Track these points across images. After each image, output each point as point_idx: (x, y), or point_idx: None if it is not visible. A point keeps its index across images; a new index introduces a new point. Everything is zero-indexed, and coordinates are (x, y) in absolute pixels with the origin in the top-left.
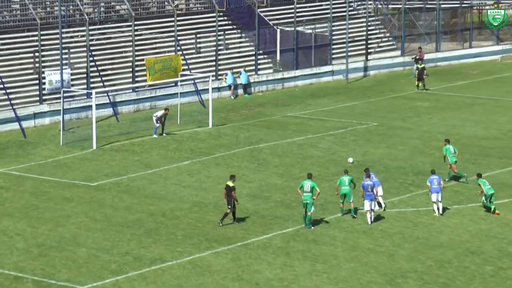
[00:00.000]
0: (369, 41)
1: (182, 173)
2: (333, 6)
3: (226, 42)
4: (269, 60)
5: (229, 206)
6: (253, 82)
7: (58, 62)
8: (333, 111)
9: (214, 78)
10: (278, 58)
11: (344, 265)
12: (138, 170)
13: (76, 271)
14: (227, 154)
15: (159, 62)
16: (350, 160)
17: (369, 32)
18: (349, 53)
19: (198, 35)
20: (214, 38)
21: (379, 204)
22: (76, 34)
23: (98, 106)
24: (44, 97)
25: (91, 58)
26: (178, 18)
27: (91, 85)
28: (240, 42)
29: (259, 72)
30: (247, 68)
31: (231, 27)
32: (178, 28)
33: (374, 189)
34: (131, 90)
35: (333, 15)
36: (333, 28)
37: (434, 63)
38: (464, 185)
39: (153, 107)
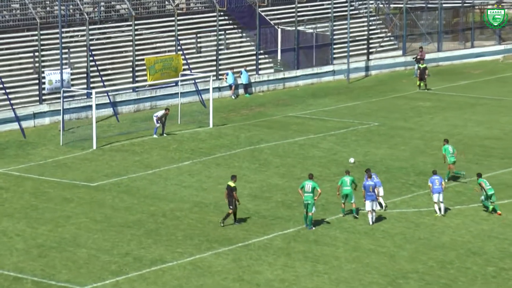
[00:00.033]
0: (370, 41)
1: (182, 173)
2: (334, 5)
3: (227, 41)
4: (270, 59)
5: (231, 207)
6: (254, 82)
7: (58, 62)
8: (334, 111)
9: (214, 78)
10: (279, 57)
11: (345, 266)
12: (139, 170)
13: (76, 272)
14: (227, 154)
15: (159, 62)
16: (352, 160)
17: (370, 32)
18: (351, 53)
19: (198, 35)
20: (215, 37)
21: (380, 205)
22: (76, 33)
23: (98, 106)
24: (44, 97)
25: (91, 58)
26: (178, 18)
27: (91, 85)
28: (241, 42)
29: (260, 72)
30: (248, 68)
31: (232, 26)
32: (179, 27)
33: (375, 189)
34: (131, 90)
35: (334, 14)
36: (335, 27)
37: (435, 62)
38: (466, 185)
39: (154, 107)
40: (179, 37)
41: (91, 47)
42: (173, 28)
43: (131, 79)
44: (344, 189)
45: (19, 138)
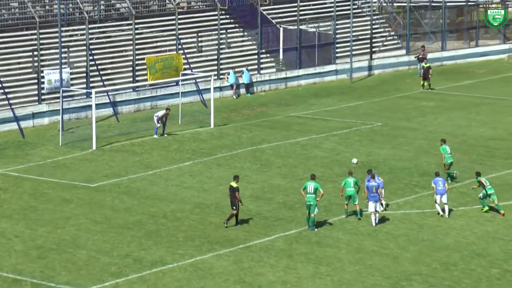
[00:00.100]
0: (373, 40)
1: (183, 174)
2: (337, 4)
3: (228, 41)
4: (272, 59)
5: (234, 207)
6: (256, 82)
7: (57, 61)
8: (337, 111)
9: (216, 77)
10: (281, 57)
11: (348, 268)
12: (139, 171)
13: (76, 274)
14: (229, 155)
15: (160, 61)
16: (354, 160)
17: (373, 31)
18: (353, 52)
19: (199, 34)
20: (216, 36)
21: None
22: (75, 32)
23: (98, 106)
24: (43, 97)
25: (90, 57)
26: (179, 17)
27: (91, 85)
28: (243, 41)
29: (262, 72)
30: (249, 67)
31: (233, 25)
32: (179, 26)
33: (378, 190)
34: (131, 90)
35: (337, 13)
36: (337, 26)
37: (439, 62)
38: (469, 186)
39: (154, 107)
40: (179, 36)
41: (91, 46)
42: (174, 27)
43: (131, 79)
44: (347, 190)
45: (18, 138)
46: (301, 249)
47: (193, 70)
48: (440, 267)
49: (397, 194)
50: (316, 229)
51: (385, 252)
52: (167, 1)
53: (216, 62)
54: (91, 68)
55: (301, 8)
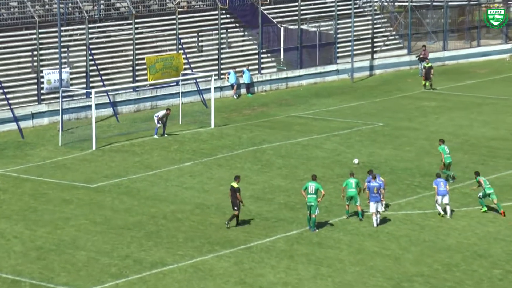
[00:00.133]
0: (375, 40)
1: (183, 174)
2: (338, 3)
3: (229, 40)
4: (273, 59)
5: (235, 208)
6: (256, 82)
7: (57, 61)
8: (338, 111)
9: (216, 77)
10: (282, 57)
11: (349, 269)
12: (139, 171)
13: (75, 275)
14: (229, 155)
15: (160, 61)
16: (356, 161)
17: (375, 31)
18: (355, 52)
19: (200, 34)
20: (217, 36)
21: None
22: (75, 32)
23: (98, 106)
24: (42, 97)
25: (90, 57)
26: (179, 16)
27: (91, 85)
28: (243, 41)
29: (263, 71)
30: (250, 67)
31: (234, 25)
32: (180, 26)
33: (380, 190)
34: (131, 90)
35: (338, 13)
36: (338, 26)
37: (441, 62)
38: (470, 187)
39: (154, 107)
40: (180, 36)
41: (91, 46)
42: (174, 26)
43: (131, 79)
44: (349, 191)
45: (17, 139)
46: (302, 250)
47: (194, 70)
48: (442, 268)
49: (398, 194)
50: (317, 230)
51: (386, 253)
52: (167, 1)
53: (216, 62)
54: (90, 68)
55: (302, 8)
